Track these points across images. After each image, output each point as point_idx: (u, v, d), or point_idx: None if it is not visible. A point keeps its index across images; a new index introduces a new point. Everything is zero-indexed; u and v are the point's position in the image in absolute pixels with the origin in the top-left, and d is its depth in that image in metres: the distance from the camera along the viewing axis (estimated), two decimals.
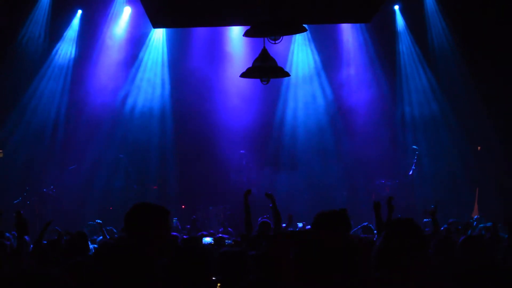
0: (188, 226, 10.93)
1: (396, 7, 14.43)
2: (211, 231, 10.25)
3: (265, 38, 8.67)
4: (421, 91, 14.19)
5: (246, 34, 8.72)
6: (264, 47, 8.88)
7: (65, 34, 14.29)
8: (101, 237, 8.12)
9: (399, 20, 14.43)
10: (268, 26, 8.18)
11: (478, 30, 12.81)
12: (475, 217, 9.97)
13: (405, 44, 14.41)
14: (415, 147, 13.37)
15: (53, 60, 14.22)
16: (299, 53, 14.75)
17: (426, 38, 14.17)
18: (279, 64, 8.63)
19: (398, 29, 14.44)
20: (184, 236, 8.41)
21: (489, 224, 8.48)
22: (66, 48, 14.35)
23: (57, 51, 14.28)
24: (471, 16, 12.81)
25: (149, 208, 3.39)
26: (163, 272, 3.33)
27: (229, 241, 7.76)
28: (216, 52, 14.42)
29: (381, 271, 3.17)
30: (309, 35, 14.60)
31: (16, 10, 13.64)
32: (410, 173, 13.12)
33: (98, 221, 8.26)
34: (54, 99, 14.18)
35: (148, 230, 3.30)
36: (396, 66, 14.48)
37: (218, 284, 4.67)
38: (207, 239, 7.90)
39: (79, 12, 14.36)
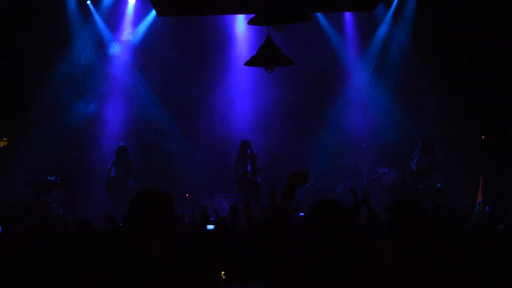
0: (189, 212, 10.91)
1: None
2: (211, 218, 10.30)
3: (270, 27, 8.66)
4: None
5: (250, 23, 8.71)
6: (268, 35, 8.87)
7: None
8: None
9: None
10: (272, 14, 8.16)
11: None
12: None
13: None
14: (424, 135, 13.31)
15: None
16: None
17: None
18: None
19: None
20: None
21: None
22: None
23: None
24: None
25: (152, 196, 3.38)
26: (165, 262, 3.34)
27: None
28: (220, 43, 14.38)
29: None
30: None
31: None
32: (415, 161, 13.11)
33: None
34: None
35: (151, 219, 3.29)
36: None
37: (223, 272, 4.67)
38: (210, 226, 7.94)
39: (89, 2, 14.13)
